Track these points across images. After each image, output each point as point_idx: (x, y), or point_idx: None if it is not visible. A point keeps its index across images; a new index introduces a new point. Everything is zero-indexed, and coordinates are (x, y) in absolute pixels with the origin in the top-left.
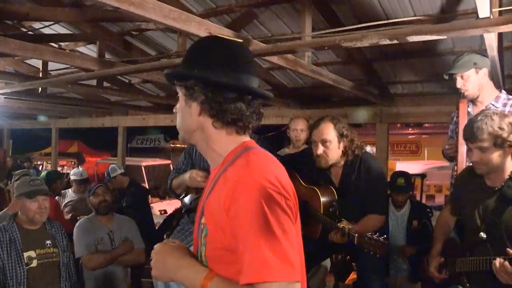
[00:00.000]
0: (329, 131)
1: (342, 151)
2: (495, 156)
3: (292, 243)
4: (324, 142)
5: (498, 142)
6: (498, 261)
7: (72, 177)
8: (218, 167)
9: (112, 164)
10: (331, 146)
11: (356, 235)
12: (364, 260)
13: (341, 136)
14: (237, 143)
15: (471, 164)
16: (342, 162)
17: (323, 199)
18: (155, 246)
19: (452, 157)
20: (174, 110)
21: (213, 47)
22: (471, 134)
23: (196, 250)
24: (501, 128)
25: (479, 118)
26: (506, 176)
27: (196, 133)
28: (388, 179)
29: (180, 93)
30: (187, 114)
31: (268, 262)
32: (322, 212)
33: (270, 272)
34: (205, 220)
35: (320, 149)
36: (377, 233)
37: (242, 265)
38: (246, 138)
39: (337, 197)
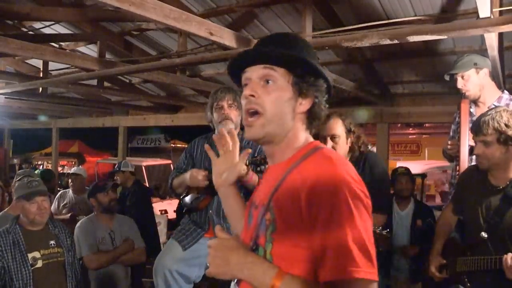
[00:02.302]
0: (338, 127)
1: (349, 147)
2: (498, 152)
3: (372, 241)
4: (333, 138)
5: (502, 139)
6: (510, 257)
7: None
8: (285, 163)
9: (125, 160)
10: (340, 141)
11: None
12: None
13: (348, 131)
14: (307, 141)
15: (474, 164)
16: (348, 159)
17: None
18: (211, 241)
19: (452, 157)
20: (250, 93)
21: (309, 44)
22: (477, 127)
23: (253, 246)
24: (507, 125)
25: (488, 112)
26: (511, 175)
27: (287, 130)
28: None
29: (282, 81)
30: (289, 109)
31: (355, 258)
32: None
33: (356, 269)
34: (273, 216)
35: (329, 144)
36: (380, 228)
37: (323, 261)
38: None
39: None
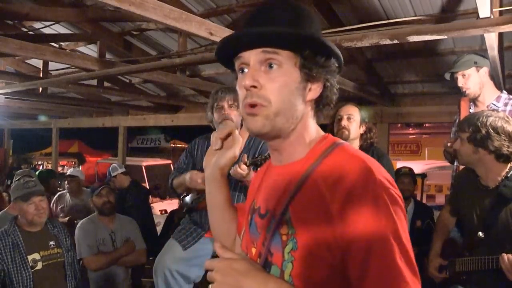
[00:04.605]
0: (355, 111)
1: (361, 134)
2: (469, 151)
3: (411, 248)
4: (349, 118)
5: (472, 138)
6: (506, 257)
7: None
8: (300, 163)
9: (113, 163)
10: (354, 122)
11: None
12: None
13: (363, 120)
14: (319, 133)
15: None
16: (358, 146)
17: None
18: (213, 263)
19: (453, 158)
20: (252, 84)
21: (313, 14)
22: (460, 123)
23: (265, 264)
24: (482, 125)
25: (482, 111)
26: (498, 177)
27: (296, 122)
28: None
29: (288, 65)
30: (298, 97)
31: (405, 277)
32: None
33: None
34: (293, 231)
35: (345, 121)
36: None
37: (367, 281)
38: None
39: None
